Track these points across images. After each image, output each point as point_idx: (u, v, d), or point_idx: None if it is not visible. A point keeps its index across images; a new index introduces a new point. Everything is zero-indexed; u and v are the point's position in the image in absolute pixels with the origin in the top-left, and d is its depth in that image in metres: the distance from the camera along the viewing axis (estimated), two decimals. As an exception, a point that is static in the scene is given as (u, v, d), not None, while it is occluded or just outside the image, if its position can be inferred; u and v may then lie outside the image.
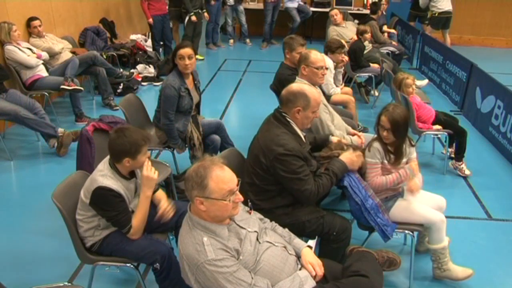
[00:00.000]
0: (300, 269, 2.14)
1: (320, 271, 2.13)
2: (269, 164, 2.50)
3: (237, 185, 1.96)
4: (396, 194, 2.89)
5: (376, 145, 2.85)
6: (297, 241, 2.28)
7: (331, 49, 4.77)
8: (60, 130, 4.54)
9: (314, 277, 2.10)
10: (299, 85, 2.71)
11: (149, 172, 2.45)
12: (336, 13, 7.01)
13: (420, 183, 2.90)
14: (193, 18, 7.55)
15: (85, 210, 2.42)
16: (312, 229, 2.62)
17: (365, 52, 6.19)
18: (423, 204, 2.87)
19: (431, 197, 2.98)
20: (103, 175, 2.36)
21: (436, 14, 8.33)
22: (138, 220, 2.45)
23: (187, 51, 3.51)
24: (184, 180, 1.99)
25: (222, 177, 1.91)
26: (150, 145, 3.66)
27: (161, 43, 7.80)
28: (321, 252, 2.64)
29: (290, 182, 2.50)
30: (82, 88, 5.19)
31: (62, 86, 5.01)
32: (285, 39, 4.15)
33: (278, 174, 2.50)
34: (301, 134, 2.66)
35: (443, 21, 8.38)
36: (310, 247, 2.24)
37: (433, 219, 2.79)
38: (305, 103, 2.58)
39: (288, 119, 2.61)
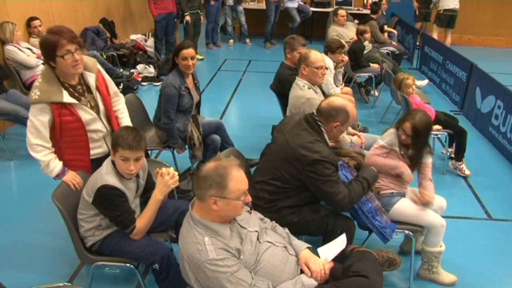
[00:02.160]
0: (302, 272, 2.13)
1: (326, 274, 2.11)
2: (302, 169, 2.49)
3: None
4: (401, 192, 2.89)
5: (393, 131, 2.87)
6: (296, 242, 2.27)
7: (331, 49, 4.76)
8: (60, 130, 4.54)
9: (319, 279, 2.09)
10: (340, 100, 2.69)
11: (167, 180, 2.46)
12: (344, 14, 7.02)
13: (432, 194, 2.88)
14: (187, 18, 7.55)
15: (87, 209, 2.42)
16: (316, 228, 2.65)
17: (365, 52, 6.19)
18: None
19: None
20: (107, 173, 2.36)
21: (442, 11, 8.33)
22: (143, 222, 2.45)
23: (190, 52, 3.51)
24: (197, 178, 1.95)
25: (240, 178, 1.93)
26: (150, 145, 3.70)
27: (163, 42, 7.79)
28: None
29: (324, 185, 2.49)
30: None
31: (62, 86, 5.01)
32: (286, 39, 4.15)
33: (310, 179, 2.50)
34: (329, 144, 2.69)
35: (447, 19, 8.37)
36: (309, 248, 2.23)
37: (433, 223, 2.79)
38: (344, 118, 2.62)
39: (323, 129, 2.62)
